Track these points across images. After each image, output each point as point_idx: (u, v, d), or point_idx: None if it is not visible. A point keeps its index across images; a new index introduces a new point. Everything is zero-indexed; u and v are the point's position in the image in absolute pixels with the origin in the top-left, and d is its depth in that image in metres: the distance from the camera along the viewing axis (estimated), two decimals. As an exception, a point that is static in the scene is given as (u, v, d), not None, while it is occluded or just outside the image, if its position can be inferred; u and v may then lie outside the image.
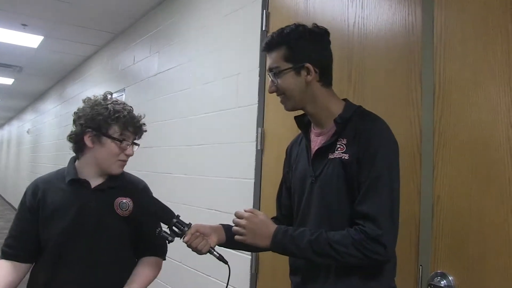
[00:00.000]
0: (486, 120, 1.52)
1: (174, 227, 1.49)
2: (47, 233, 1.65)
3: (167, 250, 1.86)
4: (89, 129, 1.68)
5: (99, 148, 1.69)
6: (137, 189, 1.82)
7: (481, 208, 1.51)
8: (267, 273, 2.55)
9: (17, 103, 12.67)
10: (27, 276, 1.72)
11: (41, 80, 8.87)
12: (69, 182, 1.71)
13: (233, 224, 1.52)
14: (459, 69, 1.62)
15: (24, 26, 5.21)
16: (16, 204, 12.23)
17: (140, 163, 4.03)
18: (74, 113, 1.75)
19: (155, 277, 1.80)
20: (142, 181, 1.89)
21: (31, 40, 5.77)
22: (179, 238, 1.49)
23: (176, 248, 1.65)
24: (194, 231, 1.47)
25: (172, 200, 3.49)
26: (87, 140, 1.68)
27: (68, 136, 1.75)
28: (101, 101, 1.72)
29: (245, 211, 1.42)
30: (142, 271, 1.75)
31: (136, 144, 1.77)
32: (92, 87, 6.31)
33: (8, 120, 17.28)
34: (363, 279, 1.34)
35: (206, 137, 3.24)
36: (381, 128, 1.37)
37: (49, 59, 6.87)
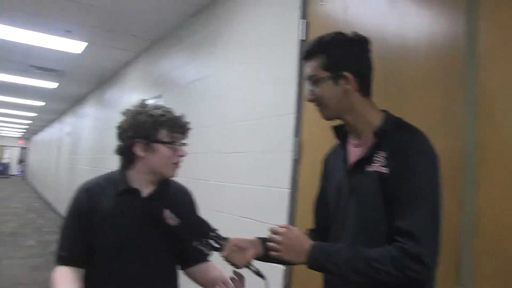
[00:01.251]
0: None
1: (212, 241, 1.48)
2: (98, 241, 1.65)
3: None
4: (138, 139, 1.66)
5: (151, 156, 1.67)
6: (185, 195, 1.85)
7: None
8: (299, 286, 2.52)
9: (59, 106, 13.05)
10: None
11: (82, 85, 9.12)
12: (120, 191, 1.70)
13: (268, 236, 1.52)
14: (504, 82, 1.57)
15: (69, 32, 5.37)
16: (56, 204, 12.63)
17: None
18: (118, 127, 1.73)
19: None
20: (189, 190, 1.90)
21: (75, 46, 5.95)
22: (216, 252, 1.48)
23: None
24: (232, 245, 1.46)
25: (206, 207, 3.49)
26: (138, 150, 1.67)
27: (115, 150, 1.75)
28: (141, 109, 1.71)
29: (281, 226, 1.41)
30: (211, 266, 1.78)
31: (184, 144, 1.76)
32: (129, 93, 6.44)
33: (50, 122, 17.82)
34: None
35: (242, 145, 3.24)
36: (421, 141, 1.33)
37: (90, 64, 7.06)
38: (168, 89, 4.92)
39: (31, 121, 19.33)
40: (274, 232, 1.40)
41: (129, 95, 6.33)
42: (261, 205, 2.92)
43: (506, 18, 1.60)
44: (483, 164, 1.60)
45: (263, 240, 1.53)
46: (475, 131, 1.63)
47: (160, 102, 4.90)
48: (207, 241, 1.49)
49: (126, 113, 1.74)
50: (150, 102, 1.82)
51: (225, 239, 1.49)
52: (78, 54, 6.33)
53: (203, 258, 1.79)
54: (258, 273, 1.49)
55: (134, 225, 1.67)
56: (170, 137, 1.68)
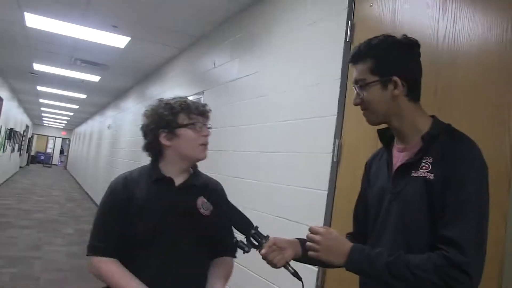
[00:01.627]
0: None
1: (251, 238, 1.49)
2: (133, 230, 1.69)
3: (237, 249, 1.84)
4: (161, 130, 1.75)
5: (177, 141, 1.75)
6: (216, 190, 1.89)
7: None
8: (332, 287, 2.50)
9: (101, 99, 13.37)
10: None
11: (124, 79, 9.32)
12: (154, 181, 1.77)
13: (304, 236, 1.52)
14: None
15: (115, 28, 5.51)
16: (93, 195, 12.97)
17: (214, 166, 4.12)
18: (141, 128, 1.83)
19: (229, 276, 1.85)
20: (219, 183, 1.96)
21: (119, 41, 6.09)
22: (255, 249, 1.48)
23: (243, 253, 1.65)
24: (272, 244, 1.46)
25: (242, 204, 3.50)
26: (163, 140, 1.75)
27: (143, 147, 1.83)
28: (157, 104, 1.81)
29: (319, 227, 1.40)
30: (218, 272, 1.80)
31: (207, 125, 1.82)
32: (171, 89, 6.53)
33: (92, 115, 18.29)
34: None
35: (282, 145, 3.24)
36: (471, 149, 1.30)
37: (133, 59, 7.21)
38: (209, 86, 4.96)
39: (73, 113, 19.90)
40: (313, 232, 1.39)
41: (171, 91, 6.41)
42: (298, 206, 2.91)
43: None
44: (533, 175, 1.54)
45: (302, 241, 1.53)
46: (525, 142, 1.58)
47: (202, 99, 4.97)
48: (247, 237, 1.49)
49: (145, 113, 1.83)
50: (197, 99, 1.88)
51: (265, 237, 1.49)
52: (121, 49, 6.47)
53: (228, 252, 1.86)
54: (296, 274, 1.48)
55: (168, 213, 1.71)
56: (189, 119, 1.76)
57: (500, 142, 1.67)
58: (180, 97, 1.82)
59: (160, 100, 1.82)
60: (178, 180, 1.79)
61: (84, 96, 12.92)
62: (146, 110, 1.84)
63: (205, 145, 1.79)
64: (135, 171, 1.88)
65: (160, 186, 1.76)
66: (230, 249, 1.86)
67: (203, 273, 1.77)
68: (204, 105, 1.83)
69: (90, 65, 7.78)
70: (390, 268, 1.25)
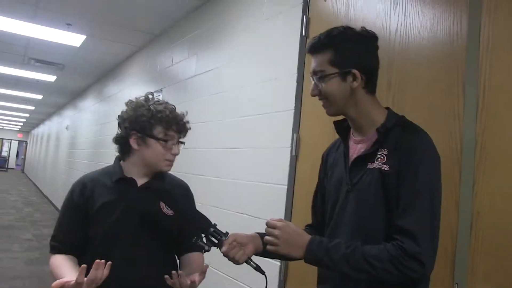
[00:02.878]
0: (533, 134, 1.46)
1: (211, 236, 1.47)
2: (94, 231, 1.68)
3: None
4: (134, 132, 1.71)
5: (145, 149, 1.72)
6: (180, 190, 1.86)
7: (524, 226, 1.44)
8: (295, 280, 2.52)
9: (58, 100, 13.03)
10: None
11: (81, 78, 9.11)
12: (116, 180, 1.74)
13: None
14: (505, 80, 1.56)
15: (69, 26, 5.36)
16: (53, 198, 12.62)
17: (175, 164, 4.06)
18: (119, 116, 1.78)
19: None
20: (184, 182, 1.94)
21: (74, 39, 5.93)
22: (216, 247, 1.47)
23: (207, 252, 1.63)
24: (232, 241, 1.45)
25: (203, 202, 3.50)
26: (133, 142, 1.72)
27: (113, 138, 1.79)
28: (143, 102, 1.75)
29: (276, 220, 1.39)
30: (196, 259, 1.79)
31: (181, 142, 1.79)
32: (130, 87, 6.42)
33: (49, 115, 17.81)
34: None
35: (241, 140, 3.24)
36: (424, 141, 1.32)
37: (90, 58, 7.05)
38: (168, 84, 4.91)
39: (29, 115, 19.31)
40: (271, 226, 1.38)
41: (130, 90, 6.31)
42: (259, 201, 2.92)
43: (508, 18, 1.59)
44: (481, 165, 1.59)
45: (262, 236, 1.53)
46: (475, 131, 1.63)
47: (160, 96, 4.91)
48: (206, 236, 1.48)
49: (129, 103, 1.78)
50: (156, 96, 1.83)
51: (224, 234, 1.48)
52: (77, 47, 6.31)
53: (195, 248, 1.80)
54: (258, 269, 1.48)
55: (129, 213, 1.69)
56: (164, 134, 1.72)
57: (451, 132, 1.72)
58: (168, 106, 1.76)
59: (147, 100, 1.77)
60: (141, 181, 1.76)
61: (40, 96, 12.55)
62: (130, 101, 1.79)
63: (170, 161, 1.77)
64: (98, 171, 1.86)
65: (122, 186, 1.74)
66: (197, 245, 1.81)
67: (168, 271, 1.73)
68: (185, 123, 1.79)
69: (45, 64, 7.57)
70: (347, 259, 1.26)
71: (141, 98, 1.78)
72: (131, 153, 1.76)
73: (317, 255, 1.31)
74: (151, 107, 1.71)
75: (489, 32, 1.64)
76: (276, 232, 1.36)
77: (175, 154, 1.76)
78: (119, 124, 1.77)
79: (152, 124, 1.70)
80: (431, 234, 1.24)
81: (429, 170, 1.28)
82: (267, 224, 1.40)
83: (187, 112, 1.83)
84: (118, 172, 1.76)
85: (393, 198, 1.29)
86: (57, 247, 1.72)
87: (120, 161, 1.81)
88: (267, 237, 1.38)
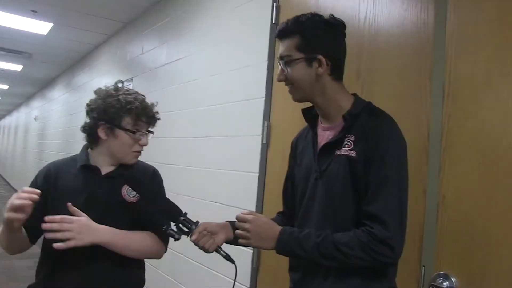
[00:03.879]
0: (497, 121, 1.49)
1: (181, 225, 1.47)
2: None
3: (168, 242, 1.80)
4: (102, 122, 1.68)
5: (113, 140, 1.70)
6: (146, 175, 1.82)
7: (488, 210, 1.48)
8: (268, 268, 2.54)
9: (25, 90, 12.73)
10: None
11: (49, 68, 8.89)
12: (80, 168, 1.73)
13: None
14: (470, 69, 1.59)
15: (34, 13, 5.21)
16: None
17: (145, 154, 4.02)
18: (87, 105, 1.75)
19: (147, 247, 1.71)
20: (151, 166, 1.90)
21: (40, 27, 5.78)
22: (186, 236, 1.47)
23: (179, 241, 1.63)
24: (202, 230, 1.45)
25: (175, 191, 3.48)
26: (101, 132, 1.69)
27: (81, 127, 1.76)
28: (113, 92, 1.72)
29: (246, 214, 1.40)
30: (133, 233, 1.69)
31: (150, 132, 1.77)
32: (100, 76, 6.31)
33: (17, 106, 17.37)
34: (363, 278, 1.32)
35: (212, 129, 3.22)
36: (390, 126, 1.34)
37: (58, 46, 6.88)
38: (138, 73, 4.84)
39: (-6, 106, 18.83)
40: (241, 220, 1.39)
41: (100, 79, 6.20)
42: (231, 190, 2.92)
43: (473, 6, 1.62)
44: (447, 151, 1.62)
45: (233, 224, 1.53)
46: (441, 118, 1.65)
47: (131, 85, 4.84)
48: (176, 225, 1.48)
49: (98, 92, 1.75)
50: (126, 86, 1.80)
51: (194, 223, 1.48)
52: (44, 35, 6.15)
53: (158, 234, 1.75)
54: (228, 258, 1.49)
55: (91, 201, 1.67)
56: (133, 125, 1.70)
57: (419, 118, 1.74)
58: (138, 96, 1.73)
59: (117, 89, 1.73)
60: (106, 170, 1.75)
61: (6, 86, 12.22)
62: (100, 89, 1.75)
63: (138, 152, 1.76)
64: (65, 159, 1.85)
65: (86, 174, 1.72)
66: (156, 229, 1.73)
67: (132, 262, 1.72)
68: (154, 113, 1.77)
69: (10, 53, 7.35)
70: (319, 248, 1.27)
71: (111, 87, 1.75)
72: (99, 143, 1.73)
73: (288, 246, 1.33)
74: (121, 97, 1.68)
75: (455, 21, 1.66)
76: (246, 225, 1.37)
77: (144, 145, 1.75)
78: (87, 112, 1.74)
79: (121, 115, 1.67)
80: (399, 219, 1.26)
81: (396, 155, 1.30)
82: (237, 218, 1.41)
83: (157, 103, 1.81)
84: (83, 160, 1.74)
85: (361, 184, 1.31)
86: None
87: (87, 149, 1.79)
88: (238, 231, 1.39)
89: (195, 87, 3.56)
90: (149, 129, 1.77)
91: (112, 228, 1.62)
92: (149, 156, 3.90)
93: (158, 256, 1.77)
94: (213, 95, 3.26)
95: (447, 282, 1.54)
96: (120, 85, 1.78)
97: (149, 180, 1.81)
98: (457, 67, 1.63)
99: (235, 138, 2.94)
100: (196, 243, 1.45)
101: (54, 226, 1.49)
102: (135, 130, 1.70)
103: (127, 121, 1.69)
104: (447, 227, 1.59)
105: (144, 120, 1.72)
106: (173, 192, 3.46)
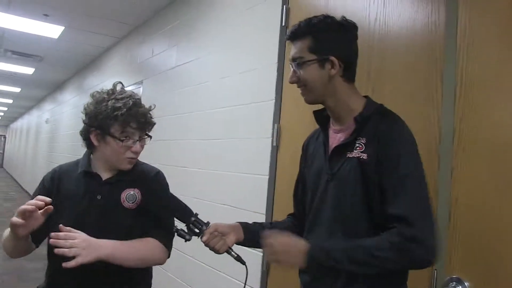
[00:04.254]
0: (508, 121, 1.48)
1: (192, 226, 1.47)
2: (54, 221, 1.60)
3: (171, 245, 1.76)
4: (93, 128, 1.67)
5: (104, 147, 1.68)
6: (147, 178, 1.77)
7: (501, 212, 1.47)
8: (277, 271, 2.53)
9: (37, 93, 12.82)
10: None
11: (60, 71, 8.96)
12: (81, 173, 1.72)
13: (250, 222, 1.51)
14: (482, 69, 1.58)
15: (46, 16, 5.26)
16: (32, 192, 12.36)
17: (156, 156, 4.04)
18: (84, 108, 1.73)
19: (149, 255, 1.67)
20: (155, 169, 1.84)
21: (52, 30, 5.82)
22: (196, 237, 1.47)
23: (188, 242, 1.63)
24: (213, 231, 1.45)
25: (186, 194, 3.49)
26: (93, 138, 1.68)
27: (80, 132, 1.75)
28: (105, 96, 1.68)
29: (269, 236, 1.36)
30: (134, 242, 1.65)
31: (148, 136, 1.73)
32: (110, 79, 6.33)
33: (28, 109, 17.52)
34: (373, 281, 1.30)
35: (222, 132, 3.23)
36: (402, 128, 1.33)
37: (69, 49, 6.93)
38: (148, 75, 4.86)
39: (7, 108, 18.98)
40: (268, 244, 1.35)
41: (110, 81, 6.13)
42: (241, 192, 2.91)
43: (483, 7, 1.61)
44: (459, 152, 1.61)
45: (244, 225, 1.53)
46: (453, 120, 1.64)
47: (140, 88, 4.86)
48: (187, 225, 1.48)
49: (93, 96, 1.73)
50: (124, 87, 1.76)
51: (205, 223, 1.48)
52: (55, 39, 6.20)
53: (155, 236, 1.71)
54: (239, 259, 1.49)
55: (90, 207, 1.66)
56: (121, 133, 1.65)
57: (430, 120, 1.73)
58: (129, 101, 1.66)
59: (110, 93, 1.69)
60: (107, 175, 1.73)
61: (18, 89, 12.32)
62: (95, 93, 1.73)
63: (132, 158, 1.71)
64: (69, 163, 1.84)
65: (87, 179, 1.72)
66: (164, 238, 1.71)
67: (130, 270, 1.67)
68: (146, 119, 1.71)
69: (22, 56, 7.41)
70: (349, 256, 1.25)
71: (105, 91, 1.71)
72: (95, 148, 1.72)
73: (319, 259, 1.29)
74: (109, 103, 1.64)
75: (466, 22, 1.65)
76: (273, 248, 1.33)
77: (136, 152, 1.70)
78: (83, 119, 1.72)
79: (109, 122, 1.64)
80: (426, 217, 1.24)
81: (411, 154, 1.29)
82: (263, 242, 1.37)
83: (154, 106, 1.77)
84: (84, 165, 1.74)
85: (373, 187, 1.29)
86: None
87: (90, 154, 1.78)
88: (268, 257, 1.36)
89: (205, 90, 3.56)
90: (147, 132, 1.73)
91: (112, 241, 1.58)
92: (159, 158, 3.94)
93: (161, 262, 1.73)
94: (223, 97, 3.26)
95: (460, 287, 1.53)
96: (118, 87, 1.74)
97: (150, 181, 1.77)
98: (469, 68, 1.62)
99: (245, 141, 2.93)
100: (207, 244, 1.45)
101: (61, 242, 1.46)
102: (123, 138, 1.65)
103: (115, 128, 1.65)
104: (460, 230, 1.57)
105: (133, 126, 1.66)
106: (183, 194, 3.47)
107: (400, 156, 1.27)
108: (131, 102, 1.67)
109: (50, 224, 1.63)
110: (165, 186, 1.82)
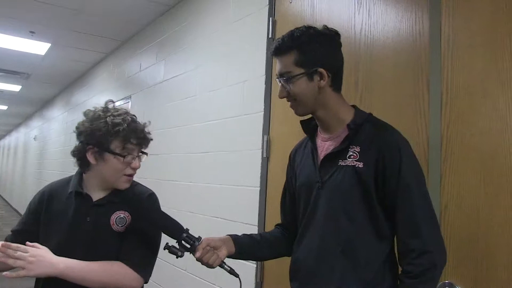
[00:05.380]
0: (495, 128, 1.50)
1: (183, 242, 1.45)
2: (43, 242, 1.59)
3: (150, 270, 1.66)
4: (90, 146, 1.62)
5: (103, 165, 1.63)
6: (138, 200, 1.72)
7: (490, 218, 1.49)
8: (271, 282, 2.52)
9: (24, 110, 12.73)
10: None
11: (48, 87, 8.91)
12: (71, 193, 1.68)
13: (239, 234, 1.51)
14: (467, 77, 1.60)
15: (32, 34, 5.24)
16: (22, 210, 12.26)
17: (145, 171, 4.01)
18: (76, 127, 1.69)
19: (111, 280, 1.56)
20: (148, 190, 1.79)
21: (38, 47, 5.81)
22: (189, 253, 1.45)
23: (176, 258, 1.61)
24: (205, 246, 1.44)
25: (177, 208, 3.48)
26: (90, 157, 1.63)
27: (71, 152, 1.70)
28: (101, 113, 1.65)
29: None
30: (96, 264, 1.56)
31: (144, 153, 1.70)
32: (98, 94, 6.33)
33: (16, 126, 17.37)
34: (363, 286, 1.31)
35: (212, 144, 3.23)
36: (399, 137, 1.36)
37: (56, 66, 6.91)
38: (137, 90, 4.85)
39: (-7, 126, 18.84)
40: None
41: (98, 97, 6.21)
42: (233, 204, 2.91)
43: (465, 16, 1.64)
44: (447, 160, 1.63)
45: (234, 238, 1.53)
46: (440, 127, 1.66)
47: (129, 103, 4.85)
48: (179, 242, 1.46)
49: (86, 114, 1.70)
50: (116, 105, 1.75)
51: (197, 239, 1.46)
52: (42, 56, 6.18)
53: (125, 260, 1.62)
54: (232, 272, 1.48)
55: (81, 229, 1.63)
56: (122, 149, 1.63)
57: (418, 128, 1.75)
58: (127, 117, 1.65)
59: (105, 110, 1.67)
60: (97, 196, 1.69)
61: (4, 107, 12.24)
62: (88, 111, 1.69)
63: (130, 176, 1.69)
64: (61, 181, 1.80)
65: (77, 200, 1.67)
66: (131, 259, 1.61)
67: None
68: (145, 134, 1.69)
69: (8, 74, 7.37)
70: None
71: (99, 109, 1.68)
72: (89, 167, 1.67)
73: None
74: (108, 119, 1.61)
75: (450, 30, 1.68)
76: None
77: (136, 169, 1.68)
78: (76, 136, 1.68)
79: (109, 139, 1.61)
80: (431, 221, 1.29)
81: (411, 162, 1.32)
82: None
83: (149, 122, 1.75)
84: (75, 185, 1.69)
85: (373, 195, 1.31)
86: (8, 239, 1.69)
87: (82, 173, 1.73)
88: None
89: (194, 103, 3.57)
90: (143, 150, 1.70)
91: (70, 261, 1.51)
92: (150, 173, 3.92)
93: (130, 286, 1.61)
94: (212, 110, 3.27)
95: (453, 292, 1.54)
96: (111, 105, 1.72)
97: (141, 203, 1.71)
98: (454, 76, 1.64)
99: (235, 153, 2.94)
100: (200, 260, 1.44)
101: (9, 252, 1.42)
102: (125, 154, 1.62)
103: (115, 145, 1.61)
104: (450, 236, 1.59)
105: (134, 142, 1.64)
106: (175, 208, 3.47)
107: (401, 165, 1.29)
108: (129, 118, 1.66)
109: (39, 243, 1.62)
110: (157, 208, 1.74)
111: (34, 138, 12.15)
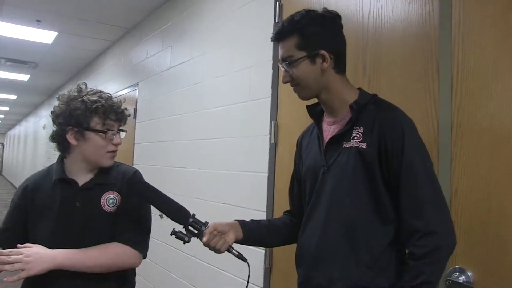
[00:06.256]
0: (506, 111, 1.47)
1: (190, 227, 1.44)
2: (34, 235, 1.61)
3: (146, 246, 1.72)
4: (70, 127, 1.61)
5: (84, 144, 1.63)
6: (124, 179, 1.73)
7: (501, 201, 1.46)
8: (280, 268, 2.53)
9: (33, 99, 12.80)
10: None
11: (55, 76, 8.94)
12: (55, 181, 1.67)
13: (248, 219, 1.49)
14: (478, 59, 1.57)
15: (39, 22, 5.24)
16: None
17: (154, 158, 4.05)
18: (51, 112, 1.68)
19: (110, 261, 1.61)
20: (133, 168, 1.80)
21: (45, 36, 5.81)
22: (196, 238, 1.45)
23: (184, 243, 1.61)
24: (212, 230, 1.43)
25: (185, 194, 3.48)
26: (70, 138, 1.62)
27: (50, 137, 1.69)
28: (75, 94, 1.65)
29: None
30: (93, 249, 1.59)
31: (123, 130, 1.71)
32: (105, 82, 6.33)
33: (25, 116, 17.49)
34: (373, 272, 1.29)
35: (219, 131, 3.22)
36: (402, 115, 1.33)
37: (63, 54, 6.92)
38: (144, 77, 4.84)
39: (3, 116, 18.95)
40: None
41: (105, 85, 6.22)
42: (241, 190, 2.91)
43: (477, -4, 1.60)
44: (458, 143, 1.60)
45: (242, 223, 1.53)
46: (450, 111, 1.63)
47: (136, 91, 4.85)
48: (185, 227, 1.45)
49: (60, 97, 1.68)
50: (88, 87, 1.73)
51: (204, 224, 1.45)
52: (49, 45, 6.19)
53: (123, 240, 1.66)
54: (240, 257, 1.47)
55: (69, 215, 1.63)
56: (102, 125, 1.63)
57: (428, 112, 1.72)
58: (103, 95, 1.67)
59: (80, 91, 1.67)
60: (83, 179, 1.68)
61: (14, 96, 12.32)
62: (62, 94, 1.68)
63: (113, 152, 1.68)
64: (39, 173, 1.79)
65: (62, 187, 1.66)
66: (133, 238, 1.66)
67: (113, 277, 1.65)
68: (123, 110, 1.71)
69: (16, 63, 7.40)
70: None
71: (73, 89, 1.68)
72: (71, 150, 1.66)
73: None
74: (85, 98, 1.62)
75: (460, 12, 1.64)
76: None
77: (118, 144, 1.68)
78: (53, 120, 1.67)
79: (88, 116, 1.60)
80: (438, 201, 1.26)
81: (415, 141, 1.30)
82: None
83: (125, 99, 1.76)
84: (59, 172, 1.68)
85: (378, 176, 1.29)
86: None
87: (63, 159, 1.72)
88: None
89: (201, 90, 3.55)
90: (121, 128, 1.71)
91: (66, 251, 1.53)
92: (158, 160, 3.93)
93: (131, 265, 1.68)
94: (219, 96, 3.25)
95: (463, 277, 1.53)
96: (83, 87, 1.71)
97: (128, 180, 1.73)
98: (464, 59, 1.61)
99: (243, 139, 2.93)
100: (207, 244, 1.43)
101: (2, 259, 1.43)
102: (105, 130, 1.63)
103: (95, 122, 1.62)
104: (461, 220, 1.57)
105: (113, 118, 1.65)
106: (183, 195, 3.48)
107: (404, 143, 1.26)
108: (106, 96, 1.67)
109: (30, 238, 1.62)
110: (143, 185, 1.74)
111: (43, 127, 12.23)
